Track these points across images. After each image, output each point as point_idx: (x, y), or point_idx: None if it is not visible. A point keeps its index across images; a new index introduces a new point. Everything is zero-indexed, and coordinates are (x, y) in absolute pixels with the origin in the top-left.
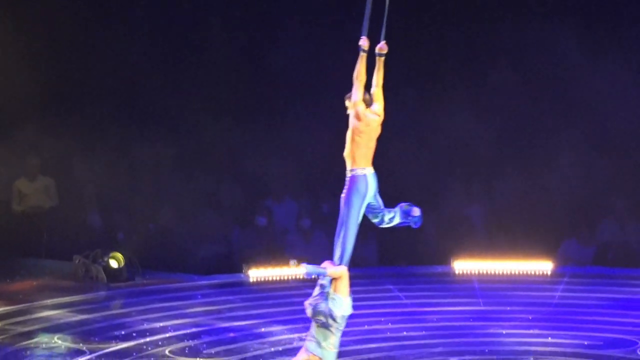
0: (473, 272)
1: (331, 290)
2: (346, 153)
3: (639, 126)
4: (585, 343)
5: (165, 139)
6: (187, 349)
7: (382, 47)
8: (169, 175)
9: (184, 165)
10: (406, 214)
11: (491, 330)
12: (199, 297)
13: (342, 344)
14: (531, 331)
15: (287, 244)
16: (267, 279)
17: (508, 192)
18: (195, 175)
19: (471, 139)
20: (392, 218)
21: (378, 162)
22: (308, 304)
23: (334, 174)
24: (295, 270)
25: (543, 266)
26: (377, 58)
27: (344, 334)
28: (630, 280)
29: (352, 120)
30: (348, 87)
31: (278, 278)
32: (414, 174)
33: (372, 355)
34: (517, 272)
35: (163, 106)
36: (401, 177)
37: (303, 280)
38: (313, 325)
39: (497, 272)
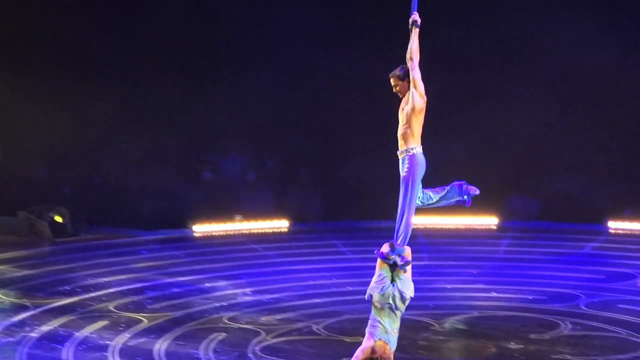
0: (418, 227)
1: (398, 272)
2: (405, 132)
3: (586, 84)
4: (530, 297)
5: (111, 93)
6: (131, 304)
7: (417, 17)
8: (114, 130)
9: (129, 120)
10: (461, 192)
11: (436, 285)
12: (144, 252)
13: (288, 299)
14: (476, 286)
15: (233, 199)
16: (212, 234)
17: (454, 147)
18: (140, 130)
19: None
20: (443, 196)
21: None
22: (372, 290)
23: (279, 129)
24: (240, 226)
25: (488, 221)
26: (413, 29)
27: (289, 289)
28: (574, 235)
29: (417, 99)
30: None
31: (223, 233)
32: (363, 125)
33: (316, 311)
34: (462, 227)
35: (108, 61)
36: (343, 129)
37: (248, 236)
38: (378, 311)
39: (442, 227)
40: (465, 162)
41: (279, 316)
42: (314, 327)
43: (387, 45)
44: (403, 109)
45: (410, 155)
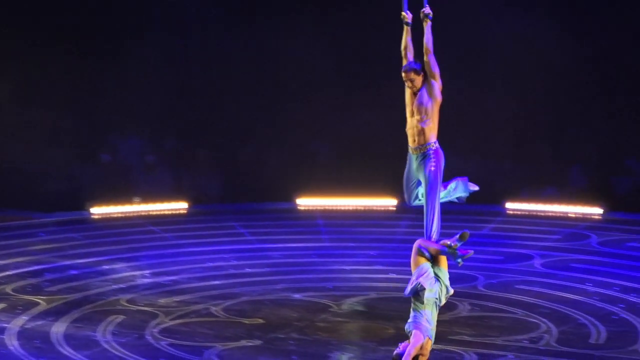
0: (317, 208)
1: (438, 267)
2: (427, 127)
3: (481, 64)
4: None
5: (6, 74)
6: (29, 287)
7: (429, 10)
8: (9, 111)
9: (25, 101)
10: (466, 188)
11: (335, 267)
12: (42, 234)
13: (186, 281)
14: (374, 267)
15: (131, 181)
16: (110, 216)
17: (353, 128)
18: (37, 111)
19: (315, 73)
20: (448, 193)
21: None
22: (425, 285)
23: (178, 111)
24: (139, 208)
25: (387, 202)
26: (425, 22)
27: (187, 271)
28: (472, 216)
29: (439, 93)
30: (190, 21)
31: (121, 215)
32: (259, 108)
33: (214, 293)
34: (361, 208)
35: (2, 41)
36: (242, 111)
37: (147, 217)
38: (422, 306)
39: (340, 209)
40: (361, 146)
41: (177, 298)
42: (213, 309)
43: (283, 26)
44: (416, 104)
45: (435, 150)
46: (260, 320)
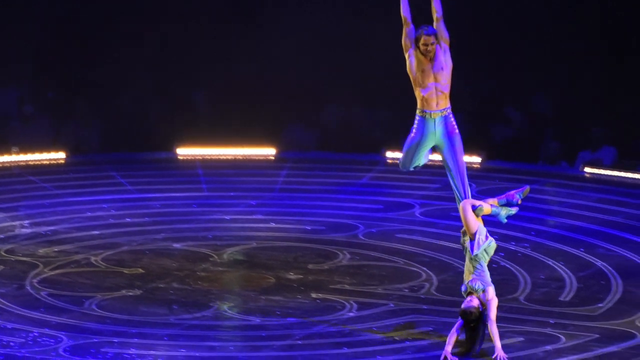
0: (196, 158)
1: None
2: (447, 92)
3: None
4: (308, 228)
5: None
6: None
7: None
8: None
9: None
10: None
11: (215, 217)
12: None
13: (66, 231)
14: (254, 217)
15: (9, 131)
16: None
17: (232, 77)
18: None
19: (195, 21)
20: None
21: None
22: (487, 242)
23: (55, 61)
24: (17, 158)
25: (266, 152)
26: None
27: (67, 221)
28: (352, 165)
29: (450, 59)
30: None
31: None
32: (138, 58)
33: (94, 243)
34: (240, 158)
35: None
36: (121, 60)
37: (25, 168)
38: (481, 260)
39: (220, 158)
40: (241, 95)
41: (56, 248)
42: (92, 259)
43: None
44: (436, 70)
45: (451, 112)
46: (141, 270)
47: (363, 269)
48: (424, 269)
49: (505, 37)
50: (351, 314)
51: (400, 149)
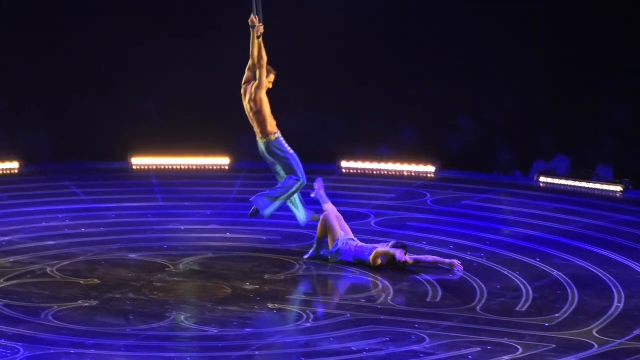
0: (151, 167)
1: None
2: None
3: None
4: (264, 238)
5: None
6: None
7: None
8: None
9: None
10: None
11: (170, 227)
12: None
13: (20, 241)
14: (210, 227)
15: None
16: None
17: (185, 85)
18: None
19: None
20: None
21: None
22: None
23: (6, 69)
24: None
25: (221, 161)
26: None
27: (21, 231)
28: (307, 174)
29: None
30: None
31: None
32: (86, 66)
33: (50, 253)
34: (195, 168)
35: None
36: (71, 69)
37: None
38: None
39: (175, 168)
40: (193, 105)
41: (12, 259)
42: (48, 270)
43: None
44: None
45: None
46: (97, 281)
47: (319, 279)
48: (380, 278)
49: (456, 49)
50: (308, 324)
51: (356, 159)
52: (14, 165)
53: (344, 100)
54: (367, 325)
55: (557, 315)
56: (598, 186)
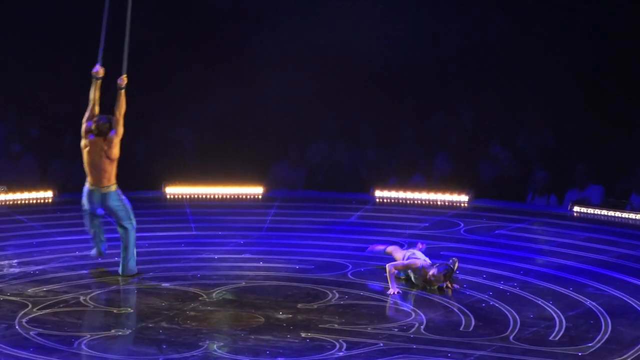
0: (185, 197)
1: None
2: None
3: (344, 50)
4: (297, 267)
5: None
6: None
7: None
8: None
9: None
10: None
11: (203, 256)
12: None
13: (54, 270)
14: (243, 256)
15: None
16: None
17: (218, 115)
18: None
19: (179, 61)
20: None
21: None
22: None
23: (42, 99)
24: (4, 197)
25: (254, 190)
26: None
27: (56, 260)
28: (340, 204)
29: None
30: None
31: None
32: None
33: (83, 282)
34: (228, 197)
35: None
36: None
37: (13, 207)
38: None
39: (208, 197)
40: (226, 134)
41: (45, 288)
42: (82, 299)
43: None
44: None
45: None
46: (130, 310)
47: (352, 308)
48: (413, 308)
49: (488, 79)
50: (341, 354)
51: (390, 189)
52: (48, 195)
53: (378, 129)
54: (399, 355)
55: (590, 344)
56: (632, 216)
